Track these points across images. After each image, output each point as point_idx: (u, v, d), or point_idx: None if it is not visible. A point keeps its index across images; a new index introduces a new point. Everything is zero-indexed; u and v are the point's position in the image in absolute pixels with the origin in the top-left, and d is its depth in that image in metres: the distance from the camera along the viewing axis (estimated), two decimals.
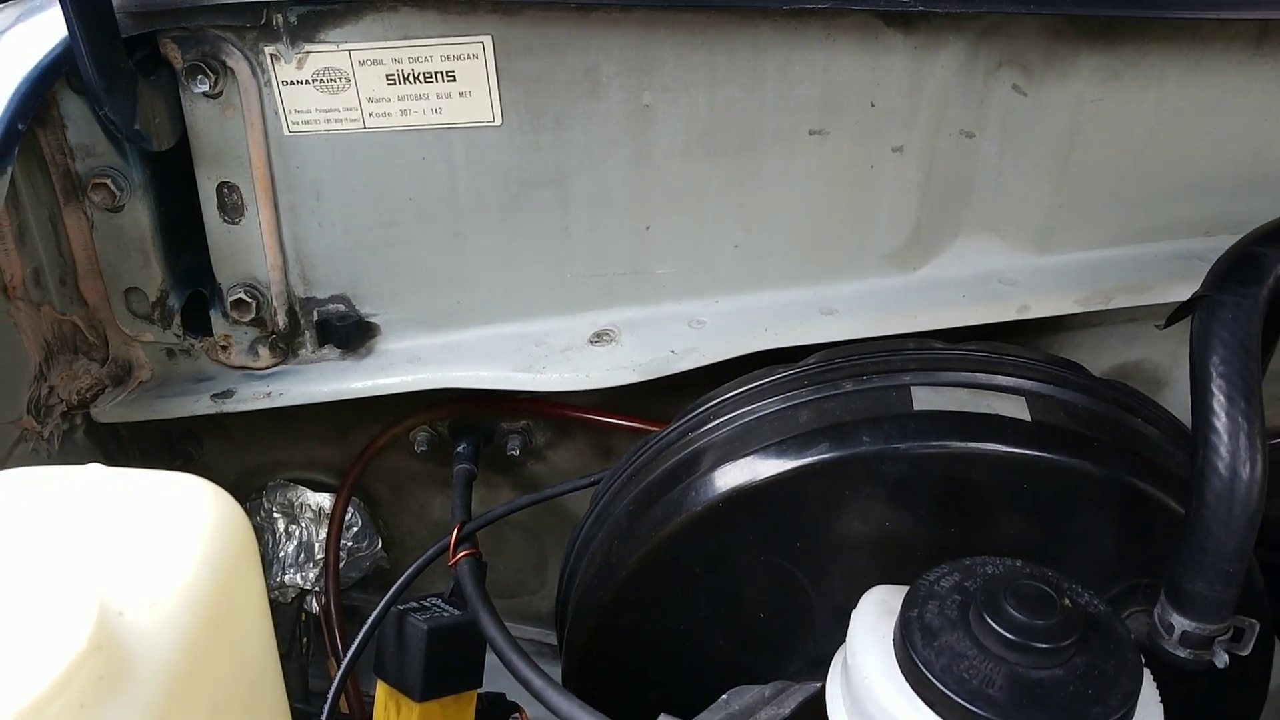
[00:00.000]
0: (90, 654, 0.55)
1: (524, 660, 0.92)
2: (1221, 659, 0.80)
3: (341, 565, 1.35)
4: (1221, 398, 0.78)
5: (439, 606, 1.06)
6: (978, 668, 0.72)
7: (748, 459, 0.92)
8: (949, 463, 0.88)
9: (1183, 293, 0.86)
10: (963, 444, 0.88)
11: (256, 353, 1.17)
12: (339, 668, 1.06)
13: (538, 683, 0.89)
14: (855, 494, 0.90)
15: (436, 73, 1.00)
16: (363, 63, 0.99)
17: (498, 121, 1.03)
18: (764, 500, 0.91)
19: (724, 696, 0.89)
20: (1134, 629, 0.85)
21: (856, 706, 0.78)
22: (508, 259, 1.11)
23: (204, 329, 1.16)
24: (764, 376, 1.02)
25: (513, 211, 1.08)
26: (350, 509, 1.35)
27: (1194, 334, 0.82)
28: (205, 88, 1.01)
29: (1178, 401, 1.04)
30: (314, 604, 1.35)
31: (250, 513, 1.33)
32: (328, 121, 1.03)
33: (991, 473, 0.88)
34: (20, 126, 0.94)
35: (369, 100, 1.01)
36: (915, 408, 0.92)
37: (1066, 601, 0.74)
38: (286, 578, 1.33)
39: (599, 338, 1.13)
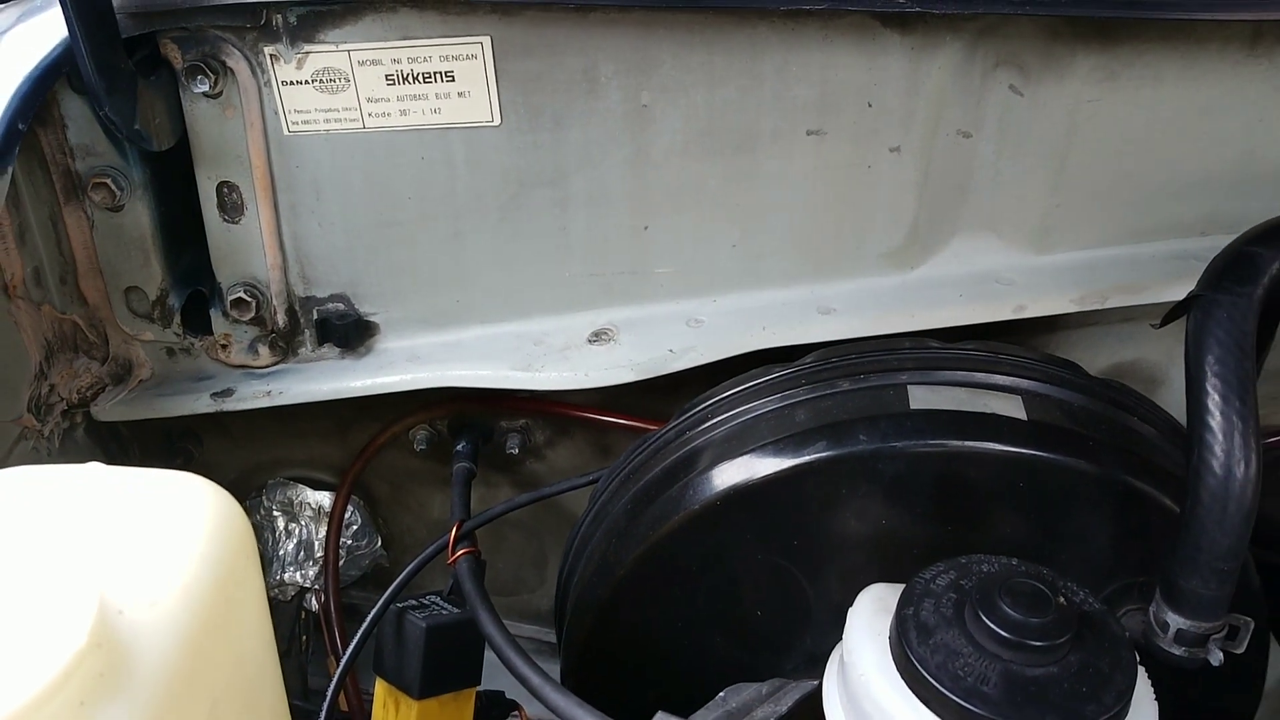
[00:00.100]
0: (90, 651, 0.55)
1: (522, 658, 0.92)
2: (1217, 657, 0.80)
3: (341, 563, 1.35)
4: (1216, 397, 0.79)
5: (438, 604, 1.07)
6: (973, 665, 0.72)
7: (745, 458, 0.93)
8: (946, 461, 0.88)
9: (1179, 292, 0.86)
10: (959, 443, 0.88)
11: (256, 351, 1.17)
12: (338, 665, 1.06)
13: (535, 680, 0.90)
14: (852, 492, 0.90)
15: (435, 73, 1.00)
16: (362, 63, 1.00)
17: (496, 121, 1.03)
18: (761, 499, 0.91)
19: (721, 694, 0.90)
20: (1130, 627, 0.85)
21: (853, 704, 0.78)
22: (506, 258, 1.12)
23: (204, 328, 1.16)
24: (761, 375, 1.02)
25: (511, 211, 1.08)
26: (350, 507, 1.35)
27: (1189, 333, 0.83)
28: (205, 88, 1.02)
29: (1174, 400, 1.05)
30: (313, 602, 1.35)
31: (250, 511, 1.34)
32: (327, 121, 1.03)
33: (988, 471, 0.88)
34: (21, 126, 0.94)
35: (368, 100, 1.02)
36: (912, 406, 0.92)
37: (1061, 599, 0.74)
38: (286, 576, 1.34)
39: (597, 337, 1.13)
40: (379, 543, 1.39)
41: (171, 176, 1.09)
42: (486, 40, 0.98)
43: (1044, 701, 0.70)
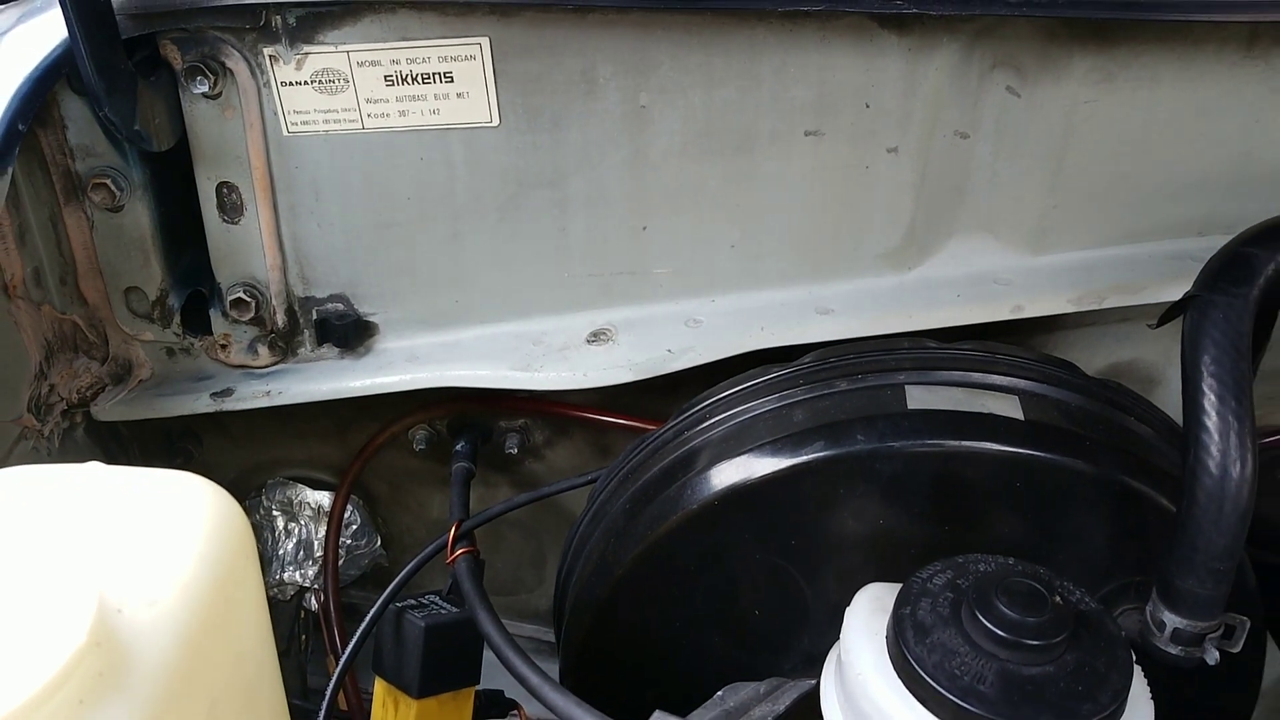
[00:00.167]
0: (89, 650, 0.55)
1: (521, 657, 0.93)
2: (1213, 656, 0.81)
3: (340, 563, 1.36)
4: (1213, 397, 0.79)
5: (436, 604, 1.07)
6: (969, 664, 0.72)
7: (743, 457, 0.93)
8: (943, 461, 0.89)
9: (1176, 293, 0.87)
10: (957, 443, 0.89)
11: (256, 351, 1.17)
12: (337, 665, 1.06)
13: (534, 679, 0.90)
14: (850, 492, 0.90)
15: (434, 74, 1.00)
16: (361, 64, 1.00)
17: (495, 122, 1.03)
18: (759, 498, 0.92)
19: (719, 693, 0.90)
20: (1127, 626, 0.85)
21: (850, 703, 0.79)
22: (505, 259, 1.12)
23: (203, 328, 1.17)
24: (759, 375, 1.02)
25: (510, 212, 1.09)
26: (349, 507, 1.35)
27: (1185, 333, 0.83)
28: (205, 89, 1.02)
29: (1171, 400, 1.05)
30: (313, 601, 1.35)
31: (250, 510, 1.34)
32: (326, 122, 1.03)
33: (985, 471, 0.89)
34: (21, 127, 0.94)
35: (367, 101, 1.02)
36: (910, 406, 0.93)
37: (1057, 599, 0.75)
38: (285, 575, 1.34)
39: (596, 337, 1.13)
40: (378, 542, 1.39)
41: (171, 177, 1.09)
42: (485, 41, 0.98)
43: (1040, 700, 0.71)
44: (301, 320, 1.16)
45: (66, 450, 1.14)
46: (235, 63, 1.00)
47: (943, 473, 0.89)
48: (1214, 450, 0.78)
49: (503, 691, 1.16)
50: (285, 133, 1.04)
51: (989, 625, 0.73)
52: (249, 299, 1.13)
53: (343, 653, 1.06)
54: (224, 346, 1.17)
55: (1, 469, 0.70)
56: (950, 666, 0.72)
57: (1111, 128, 1.03)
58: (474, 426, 1.28)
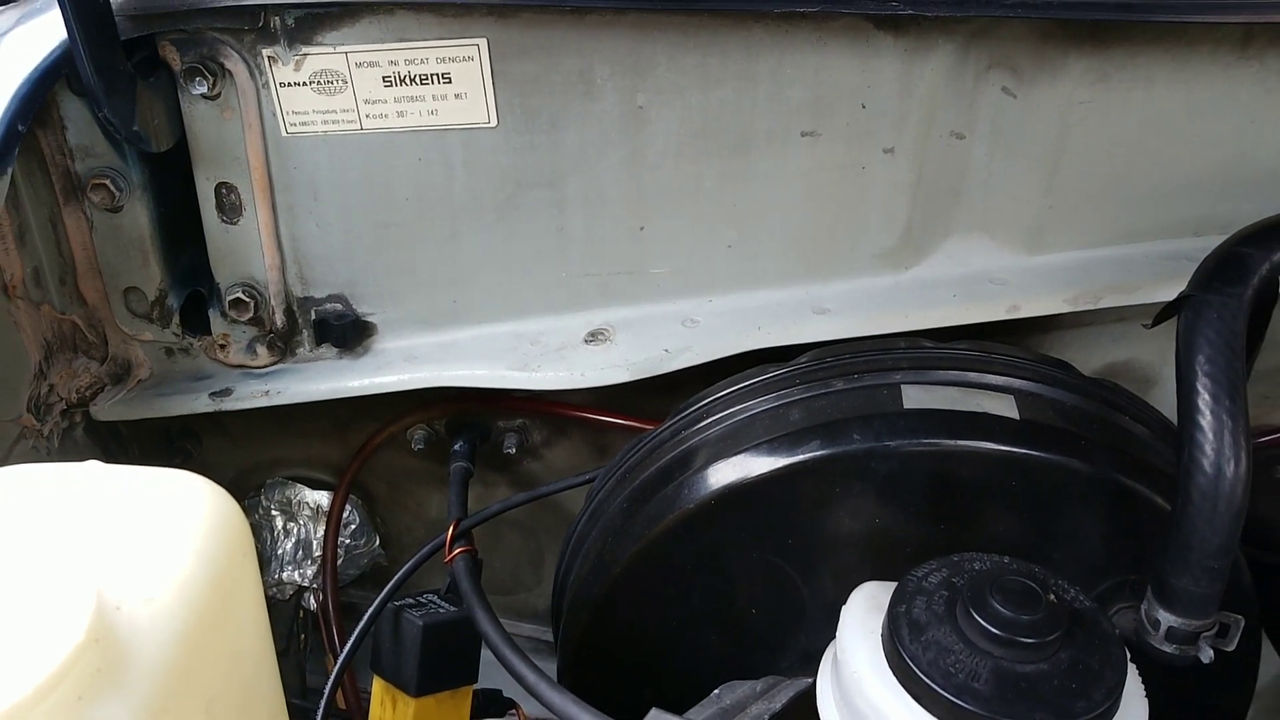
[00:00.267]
0: (88, 646, 0.55)
1: (518, 655, 0.93)
2: (1207, 654, 0.81)
3: (339, 562, 1.36)
4: (1207, 396, 0.79)
5: (435, 603, 1.07)
6: (964, 662, 0.73)
7: (740, 457, 0.93)
8: (939, 460, 0.89)
9: (1172, 293, 0.87)
10: (952, 442, 0.89)
11: (255, 351, 1.18)
12: (336, 664, 1.07)
13: (531, 677, 0.90)
14: (846, 491, 0.91)
15: (432, 75, 1.01)
16: (359, 65, 1.00)
17: (493, 123, 1.03)
18: (756, 497, 0.92)
19: (716, 691, 0.90)
20: (1122, 625, 0.86)
21: (846, 701, 0.79)
22: (504, 259, 1.12)
23: (202, 328, 1.17)
24: (756, 375, 1.03)
25: (508, 212, 1.09)
26: (348, 507, 1.35)
27: (1180, 333, 0.83)
28: (204, 89, 1.02)
29: (1167, 400, 1.05)
30: (312, 601, 1.36)
31: (249, 510, 1.34)
32: (325, 123, 1.04)
33: (981, 470, 0.89)
34: (21, 127, 0.95)
35: (366, 102, 1.02)
36: (905, 406, 0.93)
37: (1052, 597, 0.75)
38: (284, 575, 1.34)
39: (594, 337, 1.14)
40: (377, 542, 1.40)
41: (170, 178, 1.10)
42: (483, 42, 0.99)
43: (1034, 698, 0.71)
44: (300, 320, 1.17)
45: (66, 450, 1.14)
46: (234, 64, 1.01)
47: (938, 472, 0.89)
48: (1208, 449, 0.78)
49: (501, 691, 1.16)
50: (284, 133, 1.05)
51: (983, 623, 0.73)
52: (248, 299, 1.13)
53: (341, 652, 1.06)
54: (223, 346, 1.17)
55: (1, 468, 0.70)
56: (945, 664, 0.73)
57: (1107, 128, 1.03)
58: (472, 426, 1.28)
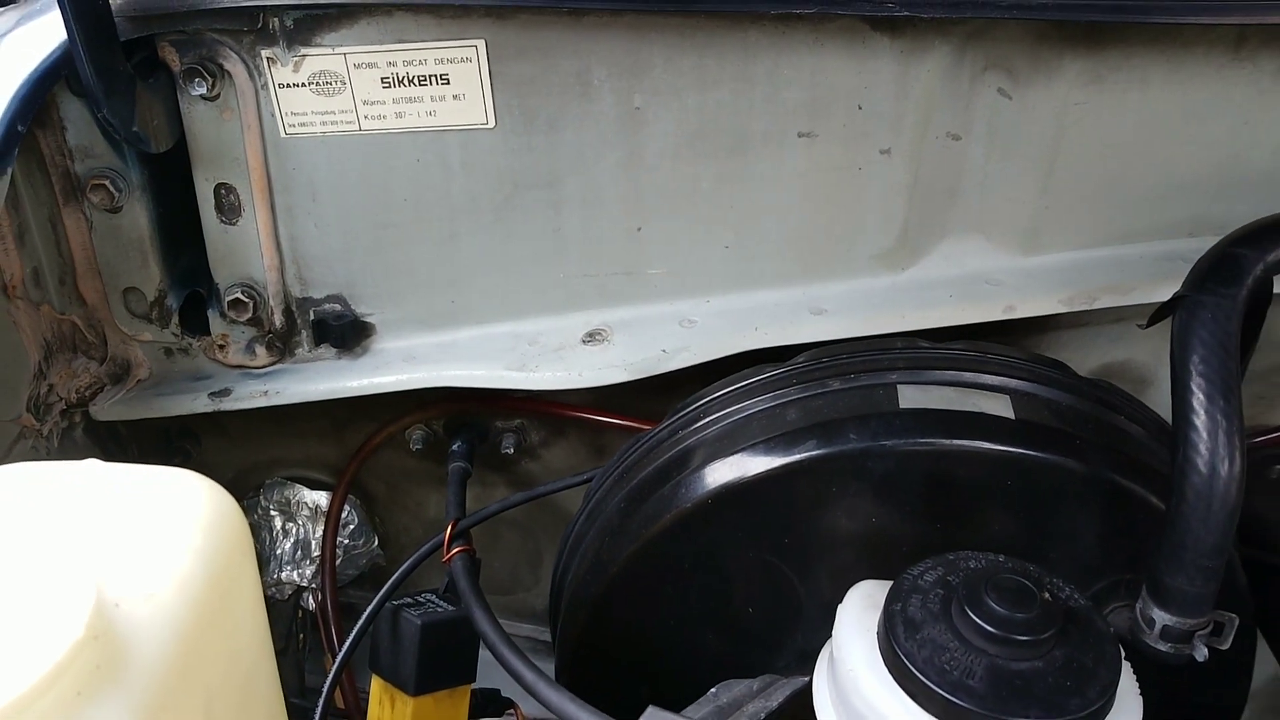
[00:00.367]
0: (87, 643, 0.56)
1: (516, 654, 0.93)
2: (1202, 653, 0.81)
3: (338, 562, 1.36)
4: (1201, 396, 0.80)
5: (433, 602, 1.07)
6: (959, 660, 0.73)
7: (737, 456, 0.94)
8: (934, 460, 0.89)
9: (1167, 293, 0.87)
10: (948, 441, 0.89)
11: (254, 352, 1.18)
12: (334, 663, 1.07)
13: (529, 676, 0.90)
14: (842, 491, 0.91)
15: (431, 76, 1.01)
16: (358, 66, 1.01)
17: (491, 124, 1.04)
18: (753, 497, 0.92)
19: (713, 690, 0.91)
20: (1117, 624, 0.86)
21: (842, 699, 0.79)
22: (501, 259, 1.13)
23: (202, 328, 1.17)
24: (753, 375, 1.03)
25: (506, 213, 1.09)
26: (346, 507, 1.36)
27: (1174, 333, 0.84)
28: (203, 90, 1.02)
29: (1163, 401, 1.04)
30: (310, 601, 1.36)
31: (248, 510, 1.35)
32: (323, 124, 1.04)
33: (976, 470, 0.89)
34: (20, 128, 0.95)
35: (364, 103, 1.03)
36: (902, 406, 0.93)
37: (1046, 595, 0.75)
38: (283, 575, 1.34)
39: (591, 337, 1.14)
40: (375, 542, 1.40)
41: (169, 178, 1.10)
42: (481, 44, 0.99)
43: (1028, 695, 0.71)
44: (299, 321, 1.17)
45: (65, 450, 1.15)
46: (233, 65, 1.01)
47: (934, 471, 0.90)
48: (1202, 449, 0.78)
49: (499, 690, 1.17)
50: (283, 134, 1.05)
51: (978, 621, 0.73)
52: (247, 299, 1.13)
53: (340, 651, 1.07)
54: (222, 347, 1.18)
55: (1, 466, 0.71)
56: (940, 662, 0.73)
57: (1102, 130, 1.04)
58: (470, 426, 1.28)
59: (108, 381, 1.19)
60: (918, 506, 0.91)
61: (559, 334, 1.15)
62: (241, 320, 1.15)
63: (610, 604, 0.99)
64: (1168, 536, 0.79)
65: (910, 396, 0.94)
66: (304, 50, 1.00)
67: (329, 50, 1.00)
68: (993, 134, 1.05)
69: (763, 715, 0.87)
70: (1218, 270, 0.86)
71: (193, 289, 1.17)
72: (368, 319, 1.17)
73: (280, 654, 1.23)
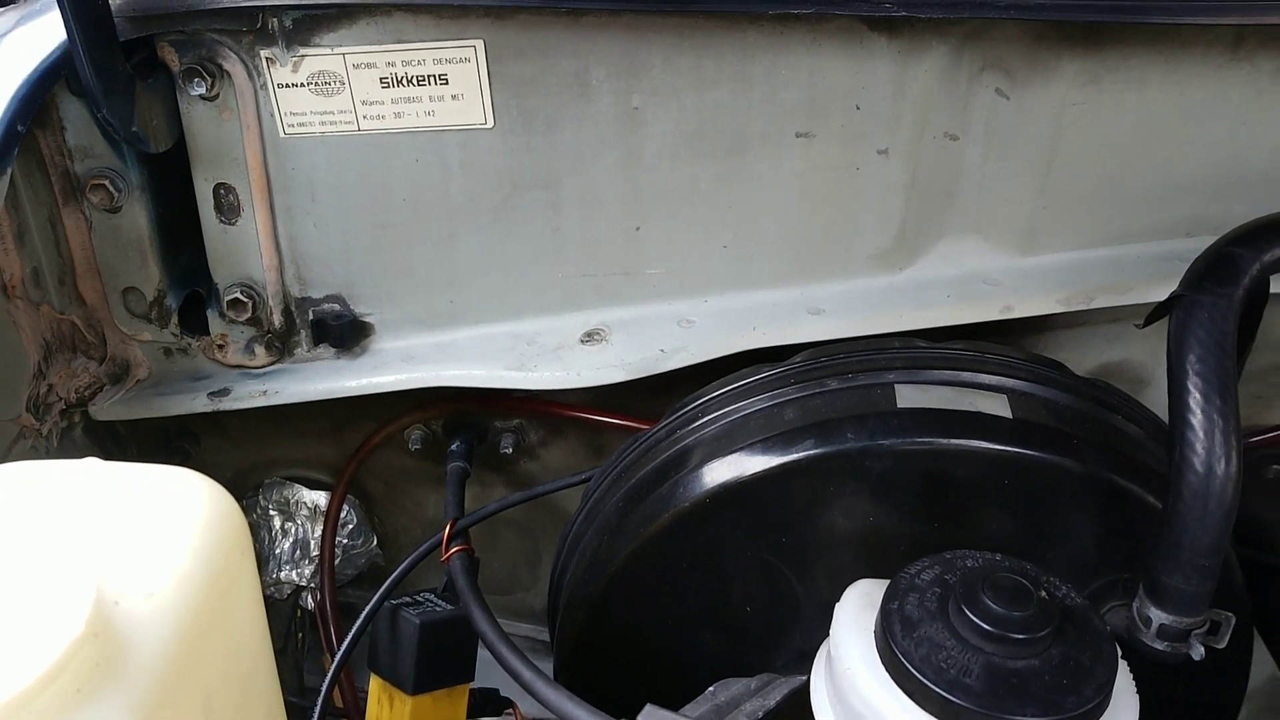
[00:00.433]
0: (87, 640, 0.56)
1: (514, 653, 0.93)
2: (1198, 651, 0.81)
3: (337, 562, 1.36)
4: (1198, 395, 0.80)
5: (431, 601, 1.07)
6: (955, 658, 0.73)
7: (735, 456, 0.94)
8: (932, 459, 0.90)
9: (1164, 293, 0.87)
10: (946, 441, 0.90)
11: (253, 352, 1.18)
12: (333, 662, 1.07)
13: (527, 675, 0.91)
14: (840, 490, 0.91)
15: (429, 76, 1.01)
16: (357, 66, 1.01)
17: (490, 124, 1.04)
18: (750, 496, 0.92)
19: (711, 689, 0.91)
20: (1114, 622, 0.86)
21: (839, 697, 0.79)
22: (500, 259, 1.13)
23: (201, 328, 1.17)
24: (751, 375, 1.03)
25: (505, 213, 1.10)
26: (345, 506, 1.36)
27: (1171, 333, 0.84)
28: (202, 90, 1.03)
29: (1161, 400, 1.05)
30: (309, 600, 1.36)
31: (247, 510, 1.35)
32: (322, 124, 1.04)
33: (974, 469, 0.90)
34: (20, 128, 0.95)
35: (363, 103, 1.03)
36: (899, 405, 0.94)
37: (1043, 594, 0.76)
38: (282, 574, 1.34)
39: (590, 337, 1.14)
40: (374, 542, 1.40)
41: (169, 178, 1.10)
42: (480, 44, 0.99)
43: (1025, 693, 0.71)
44: (298, 320, 1.17)
45: (65, 449, 1.15)
46: (232, 65, 1.01)
47: (932, 470, 0.90)
48: (1199, 448, 0.78)
49: (498, 689, 1.17)
50: (282, 134, 1.05)
51: (975, 619, 0.74)
52: (246, 299, 1.14)
53: (339, 650, 1.07)
54: (221, 347, 1.18)
55: (0, 465, 0.71)
56: (937, 660, 0.73)
57: (1100, 130, 1.04)
58: (469, 426, 1.28)
59: (107, 381, 1.19)
60: (915, 506, 0.91)
61: (557, 334, 1.15)
62: (240, 320, 1.15)
63: (608, 603, 1.00)
64: (1164, 535, 0.79)
65: (908, 396, 0.95)
66: (303, 50, 1.00)
67: (328, 50, 1.00)
68: (990, 134, 1.05)
69: (760, 714, 0.87)
70: (1214, 270, 0.86)
71: (192, 289, 1.17)
72: (366, 319, 1.18)
73: (279, 653, 1.24)
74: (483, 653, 1.02)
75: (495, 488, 1.36)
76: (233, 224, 1.10)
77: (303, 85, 1.02)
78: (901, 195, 1.08)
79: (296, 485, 1.36)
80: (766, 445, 0.93)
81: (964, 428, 0.90)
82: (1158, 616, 0.81)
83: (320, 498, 1.36)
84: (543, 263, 1.13)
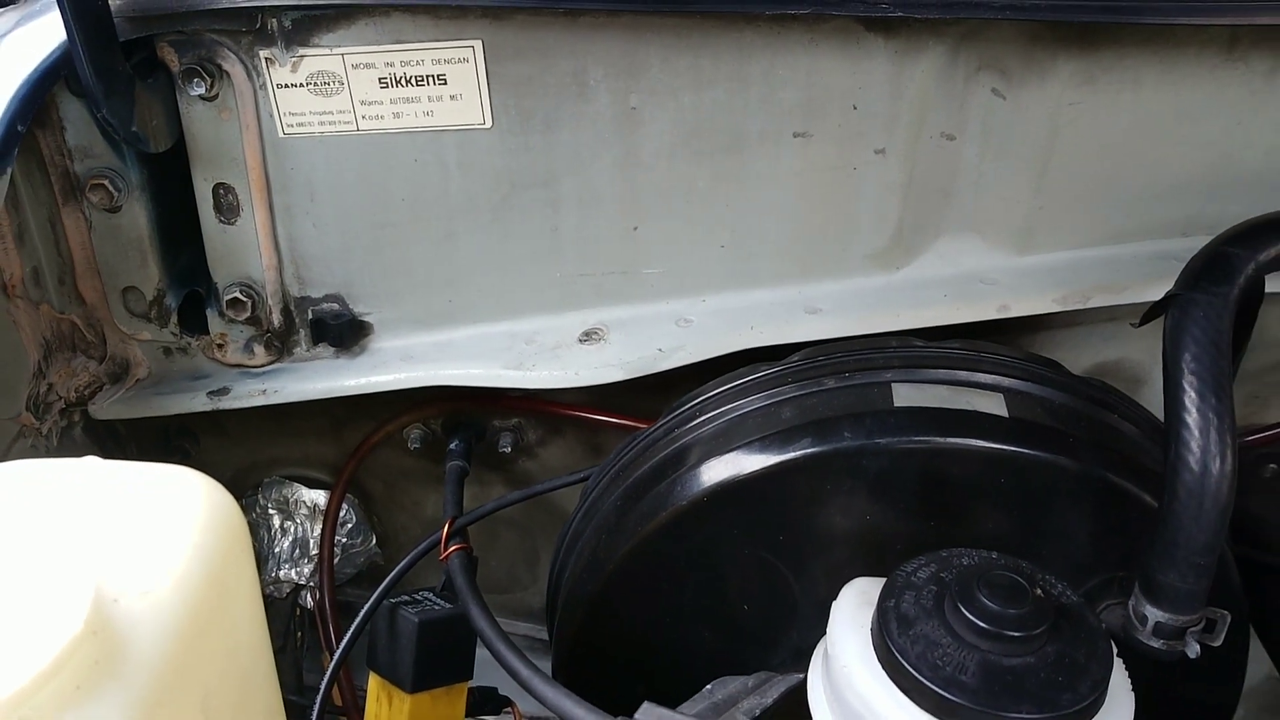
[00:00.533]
0: (86, 638, 0.56)
1: (513, 651, 0.94)
2: (1194, 649, 0.82)
3: (336, 561, 1.36)
4: (1193, 394, 0.80)
5: (430, 600, 1.08)
6: (951, 655, 0.74)
7: (732, 454, 0.94)
8: (929, 458, 0.90)
9: (1160, 292, 0.88)
10: (942, 439, 0.90)
11: (252, 351, 1.18)
12: (332, 661, 1.07)
13: (525, 673, 0.91)
14: (837, 488, 0.91)
15: (428, 76, 1.02)
16: (355, 66, 1.01)
17: (488, 124, 1.04)
18: (748, 495, 0.93)
19: (708, 686, 0.91)
20: (1110, 620, 0.87)
21: (836, 695, 0.80)
22: (499, 259, 1.13)
23: (200, 327, 1.18)
24: (749, 374, 1.03)
25: (504, 212, 1.10)
26: (345, 505, 1.36)
27: (1167, 332, 0.84)
28: (201, 90, 1.03)
29: (1157, 399, 1.05)
30: (308, 599, 1.36)
31: (246, 509, 1.35)
32: (321, 124, 1.05)
33: (970, 468, 0.90)
34: (20, 128, 0.96)
35: (362, 103, 1.03)
36: (896, 404, 0.94)
37: (1038, 591, 0.76)
38: (281, 573, 1.35)
39: (588, 336, 1.15)
40: (374, 540, 1.40)
41: (168, 178, 1.11)
42: (478, 44, 1.00)
43: (1020, 691, 0.72)
44: (297, 320, 1.17)
45: (65, 448, 1.15)
46: (231, 65, 1.02)
47: (928, 469, 0.90)
48: (1194, 446, 0.79)
49: (496, 688, 1.17)
50: (281, 134, 1.05)
51: (971, 617, 0.74)
52: (245, 299, 1.14)
53: (337, 649, 1.07)
54: (220, 346, 1.18)
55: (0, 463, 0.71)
56: (933, 657, 0.74)
57: (1096, 130, 1.04)
58: (468, 425, 1.29)
59: (107, 380, 1.19)
60: (912, 504, 0.91)
61: (556, 333, 1.15)
62: (240, 319, 1.16)
63: (607, 601, 1.00)
64: (1160, 534, 0.80)
65: (905, 395, 0.95)
66: (302, 51, 1.01)
67: (327, 51, 1.01)
68: (987, 134, 1.05)
69: (757, 712, 0.87)
70: (1210, 269, 0.86)
71: (191, 288, 1.18)
72: (365, 318, 1.18)
73: (278, 652, 1.24)
74: (481, 651, 1.02)
75: (494, 487, 1.36)
76: (232, 224, 1.11)
77: (302, 85, 1.02)
78: (898, 195, 1.08)
79: (296, 484, 1.36)
80: (764, 444, 0.93)
81: (960, 426, 0.91)
82: (1153, 614, 0.81)
83: (319, 496, 1.36)
84: (541, 262, 1.13)
